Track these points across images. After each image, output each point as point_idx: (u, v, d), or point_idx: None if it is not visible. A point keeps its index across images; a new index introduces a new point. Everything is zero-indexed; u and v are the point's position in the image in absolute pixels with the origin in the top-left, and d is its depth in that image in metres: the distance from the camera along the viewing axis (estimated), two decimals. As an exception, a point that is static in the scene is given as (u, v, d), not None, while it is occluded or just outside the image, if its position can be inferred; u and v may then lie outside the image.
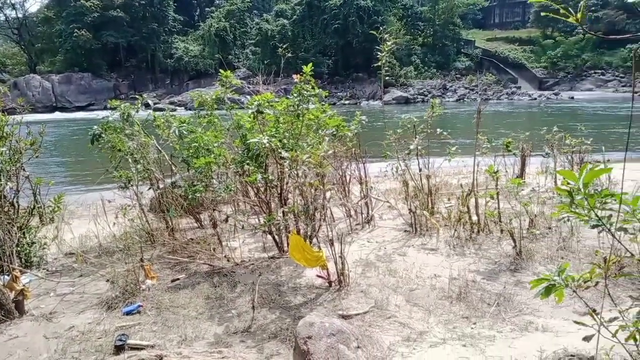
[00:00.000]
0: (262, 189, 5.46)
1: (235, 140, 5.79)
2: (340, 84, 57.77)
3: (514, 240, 4.99)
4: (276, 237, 5.39)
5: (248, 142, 4.68)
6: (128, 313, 4.18)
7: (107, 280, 4.87)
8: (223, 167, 5.91)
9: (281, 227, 5.22)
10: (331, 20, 56.02)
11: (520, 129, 9.97)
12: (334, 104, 49.77)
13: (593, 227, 2.14)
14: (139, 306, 4.25)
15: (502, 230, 5.63)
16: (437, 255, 5.28)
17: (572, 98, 48.36)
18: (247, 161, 5.04)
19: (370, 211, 6.77)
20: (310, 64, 4.84)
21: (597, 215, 2.13)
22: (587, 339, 2.20)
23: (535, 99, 50.06)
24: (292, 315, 4.03)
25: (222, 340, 3.67)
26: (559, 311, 3.76)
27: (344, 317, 3.82)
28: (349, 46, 55.92)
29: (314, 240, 5.34)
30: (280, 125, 5.15)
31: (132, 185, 6.05)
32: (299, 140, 4.98)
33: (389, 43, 5.77)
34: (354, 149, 6.82)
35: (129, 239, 5.66)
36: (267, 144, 4.24)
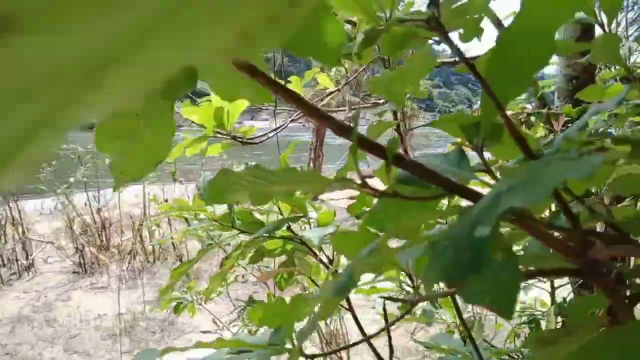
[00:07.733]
0: None
1: None
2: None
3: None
4: None
5: None
6: None
7: None
8: None
9: None
10: None
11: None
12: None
13: (207, 245, 2.54)
14: None
15: (178, 256, 5.88)
16: (106, 293, 5.03)
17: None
18: None
19: (29, 256, 5.83)
20: None
21: (211, 237, 2.55)
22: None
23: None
24: None
25: None
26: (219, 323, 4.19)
27: (-28, 393, 3.13)
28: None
29: None
30: None
31: None
32: None
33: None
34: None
35: None
36: None
